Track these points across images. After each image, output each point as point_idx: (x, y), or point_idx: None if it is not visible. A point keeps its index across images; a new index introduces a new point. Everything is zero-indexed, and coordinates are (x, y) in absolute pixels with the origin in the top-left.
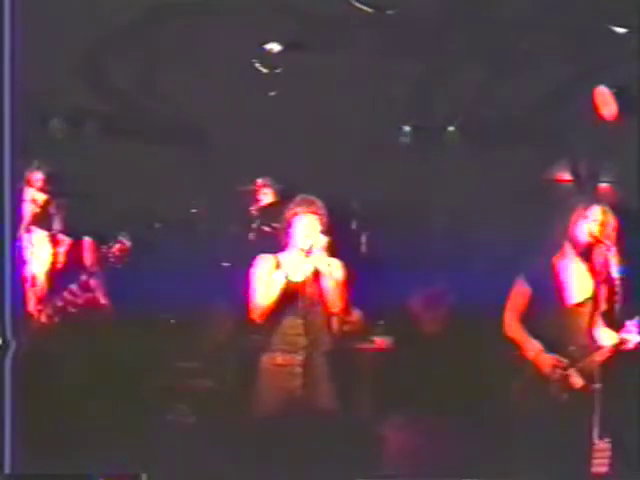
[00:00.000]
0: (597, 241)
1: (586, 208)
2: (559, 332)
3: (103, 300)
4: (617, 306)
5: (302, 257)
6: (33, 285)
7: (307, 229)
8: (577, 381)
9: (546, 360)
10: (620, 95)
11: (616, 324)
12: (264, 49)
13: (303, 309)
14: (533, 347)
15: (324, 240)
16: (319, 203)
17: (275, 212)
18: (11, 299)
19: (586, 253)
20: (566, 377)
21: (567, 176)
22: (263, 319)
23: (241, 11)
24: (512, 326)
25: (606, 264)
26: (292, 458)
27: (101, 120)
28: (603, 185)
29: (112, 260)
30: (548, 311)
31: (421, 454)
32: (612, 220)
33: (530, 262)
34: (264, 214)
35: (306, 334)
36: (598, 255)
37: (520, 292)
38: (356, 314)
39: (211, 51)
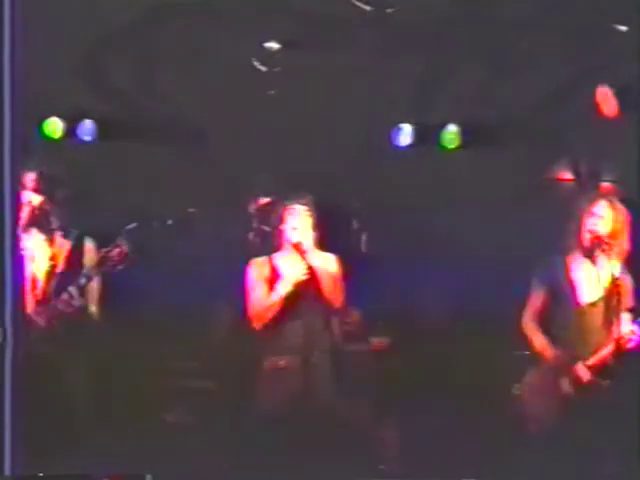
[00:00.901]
0: (600, 240)
1: (592, 205)
2: (573, 331)
3: (101, 302)
4: (625, 304)
5: (297, 257)
6: (33, 287)
7: (298, 223)
8: (584, 375)
9: (551, 353)
10: (620, 94)
11: (625, 322)
12: (264, 48)
13: (302, 310)
14: (540, 341)
15: (312, 236)
16: (309, 199)
17: (273, 212)
18: (11, 301)
19: (593, 251)
20: (573, 371)
21: (568, 175)
22: (262, 322)
23: (241, 11)
24: (527, 324)
25: (611, 262)
26: (294, 458)
27: (101, 120)
28: (604, 184)
29: (110, 264)
30: (562, 311)
31: (421, 454)
32: (620, 215)
33: (543, 263)
34: (263, 214)
35: (306, 335)
36: (604, 253)
37: (535, 293)
38: (355, 314)
39: (211, 51)
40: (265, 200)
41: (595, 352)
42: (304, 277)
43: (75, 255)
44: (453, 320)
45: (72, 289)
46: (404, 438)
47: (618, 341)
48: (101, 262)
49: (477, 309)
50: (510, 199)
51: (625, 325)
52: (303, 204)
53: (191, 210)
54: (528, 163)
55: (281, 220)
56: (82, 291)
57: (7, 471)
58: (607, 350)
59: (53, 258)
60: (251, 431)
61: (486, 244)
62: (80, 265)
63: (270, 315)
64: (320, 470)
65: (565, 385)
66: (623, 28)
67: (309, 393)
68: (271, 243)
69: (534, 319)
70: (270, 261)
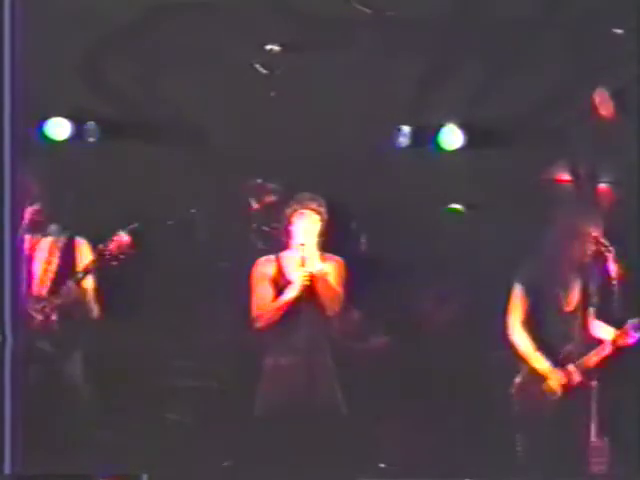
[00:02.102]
0: (597, 242)
1: (584, 210)
2: (558, 333)
3: (101, 301)
4: (615, 307)
5: (300, 261)
6: (31, 286)
7: (306, 227)
8: (575, 376)
9: (556, 377)
10: (618, 96)
11: (614, 324)
12: (264, 49)
13: (303, 311)
14: (541, 363)
15: (317, 242)
16: (320, 201)
17: (275, 212)
18: (11, 299)
19: (584, 254)
20: (563, 373)
21: (566, 176)
22: (264, 322)
23: (241, 11)
24: (517, 332)
25: (605, 265)
26: (294, 458)
27: (101, 120)
28: (602, 186)
29: (109, 256)
30: (546, 314)
31: (421, 453)
32: (609, 222)
33: (527, 266)
34: (264, 214)
35: (306, 335)
36: (596, 256)
37: (519, 296)
38: (356, 314)
39: (211, 51)
40: (268, 200)
41: (584, 354)
42: (306, 283)
43: (75, 253)
44: (453, 320)
45: (70, 282)
46: (404, 438)
47: (613, 342)
48: (99, 255)
49: (477, 309)
50: (510, 199)
51: (600, 327)
52: (315, 209)
53: (192, 211)
54: (528, 163)
55: (288, 220)
56: (79, 283)
57: (7, 471)
58: (597, 351)
59: (50, 257)
60: (251, 431)
61: (486, 244)
62: (76, 263)
63: (273, 317)
64: (320, 470)
65: (555, 386)
66: (620, 31)
67: (309, 393)
68: (273, 243)
69: (521, 324)
70: (276, 260)
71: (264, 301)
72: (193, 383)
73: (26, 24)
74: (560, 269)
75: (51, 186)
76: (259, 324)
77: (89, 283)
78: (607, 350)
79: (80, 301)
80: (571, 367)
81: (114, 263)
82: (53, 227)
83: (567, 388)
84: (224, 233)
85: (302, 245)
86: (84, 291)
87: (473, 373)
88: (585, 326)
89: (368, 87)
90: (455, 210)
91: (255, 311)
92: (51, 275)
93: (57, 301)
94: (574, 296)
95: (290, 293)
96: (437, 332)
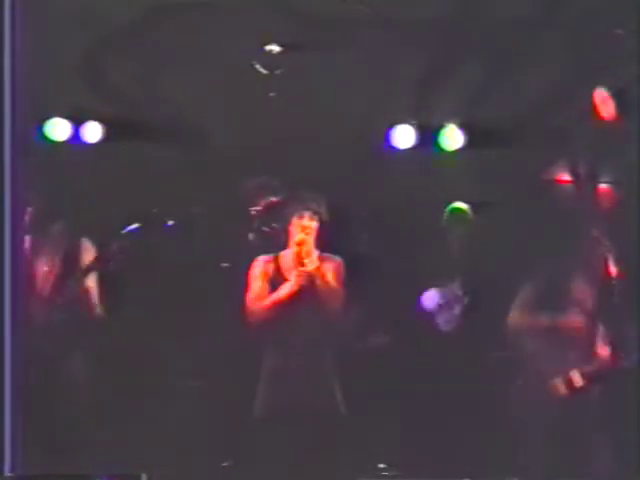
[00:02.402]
0: (598, 243)
1: (592, 208)
2: (562, 335)
3: (101, 301)
4: (617, 308)
5: (298, 260)
6: (32, 286)
7: (305, 227)
8: (577, 381)
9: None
10: (618, 96)
11: (615, 325)
12: (264, 49)
13: (302, 311)
14: (544, 319)
15: (316, 241)
16: (320, 201)
17: (275, 212)
18: (11, 299)
19: (588, 254)
20: (567, 376)
21: (566, 176)
22: (257, 319)
23: (241, 11)
24: (519, 320)
25: (607, 266)
26: (294, 458)
27: (101, 120)
28: (602, 186)
29: (110, 260)
30: (553, 313)
31: (421, 453)
32: (609, 222)
33: (536, 266)
34: (264, 214)
35: (307, 335)
36: (599, 257)
37: (527, 293)
38: (356, 314)
39: (211, 51)
40: (269, 200)
41: (588, 359)
42: (304, 282)
43: (75, 253)
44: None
45: (71, 282)
46: (404, 438)
47: (613, 353)
48: (100, 256)
49: (477, 309)
50: (510, 199)
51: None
52: (314, 208)
53: (193, 211)
54: (528, 163)
55: (288, 220)
56: (80, 283)
57: (7, 471)
58: (602, 357)
59: (51, 257)
60: (251, 431)
61: (486, 244)
62: (77, 263)
63: (268, 314)
64: (320, 470)
65: (559, 386)
66: (621, 31)
67: (309, 393)
68: (272, 243)
69: (525, 316)
70: (275, 260)
71: (260, 298)
72: (193, 383)
73: (26, 24)
74: (564, 270)
75: (51, 186)
76: (253, 320)
77: (90, 283)
78: (607, 357)
79: (81, 301)
80: (573, 371)
81: (114, 263)
82: (54, 227)
83: (568, 389)
84: (224, 233)
85: (301, 244)
86: (85, 291)
87: (474, 373)
88: (589, 329)
89: (368, 87)
90: (460, 209)
91: (250, 307)
92: (52, 275)
93: (58, 301)
94: (577, 297)
95: (286, 289)
96: (437, 332)
